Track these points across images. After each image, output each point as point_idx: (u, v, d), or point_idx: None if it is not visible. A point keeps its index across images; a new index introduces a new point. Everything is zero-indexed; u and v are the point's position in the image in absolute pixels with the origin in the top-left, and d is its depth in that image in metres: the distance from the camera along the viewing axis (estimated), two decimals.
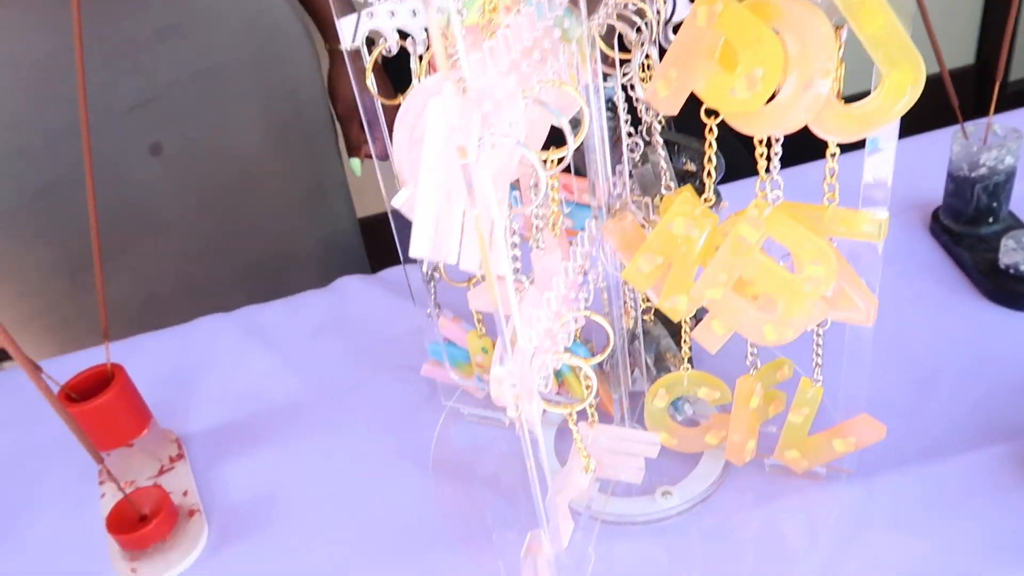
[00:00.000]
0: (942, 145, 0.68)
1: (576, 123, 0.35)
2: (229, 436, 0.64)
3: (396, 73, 0.51)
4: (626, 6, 0.39)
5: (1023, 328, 0.60)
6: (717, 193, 0.46)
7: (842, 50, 0.34)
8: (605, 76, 0.41)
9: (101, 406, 0.56)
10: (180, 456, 0.62)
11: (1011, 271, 0.62)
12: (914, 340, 0.60)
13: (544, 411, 0.50)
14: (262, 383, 0.69)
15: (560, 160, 0.35)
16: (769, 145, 0.38)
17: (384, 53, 0.44)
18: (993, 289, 0.63)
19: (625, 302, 0.51)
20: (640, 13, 0.39)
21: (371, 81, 0.45)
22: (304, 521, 0.56)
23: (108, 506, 0.59)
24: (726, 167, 0.43)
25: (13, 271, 0.83)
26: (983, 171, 0.65)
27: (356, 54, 0.91)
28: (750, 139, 0.38)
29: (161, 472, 0.61)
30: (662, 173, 0.43)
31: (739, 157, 0.49)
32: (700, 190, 0.43)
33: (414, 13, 0.42)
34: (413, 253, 0.30)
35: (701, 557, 0.50)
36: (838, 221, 0.39)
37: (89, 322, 0.86)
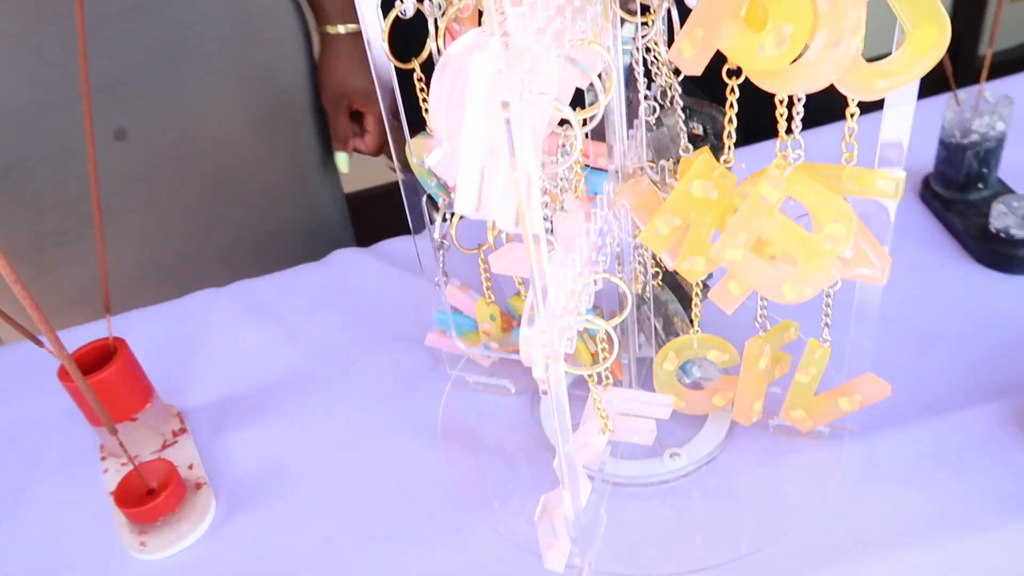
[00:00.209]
0: (931, 113, 0.69)
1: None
2: (231, 409, 0.64)
3: (401, 45, 0.50)
4: None
5: (1015, 290, 0.62)
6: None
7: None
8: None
9: (104, 380, 0.55)
10: (183, 430, 0.61)
11: (1002, 235, 0.63)
12: (909, 303, 0.62)
13: None
14: (261, 356, 0.68)
15: (589, 120, 0.35)
16: (791, 105, 0.39)
17: (400, 15, 0.43)
18: (984, 253, 0.64)
19: (634, 268, 0.52)
20: None
21: (385, 45, 0.44)
22: (312, 491, 0.56)
23: (112, 481, 0.58)
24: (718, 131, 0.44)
25: None
26: (975, 137, 0.66)
27: (351, 37, 0.88)
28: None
29: (164, 446, 0.60)
30: (679, 136, 0.43)
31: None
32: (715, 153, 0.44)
33: None
34: (458, 210, 0.30)
35: (709, 516, 0.51)
36: (855, 180, 0.40)
37: (52, 304, 0.84)
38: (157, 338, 0.71)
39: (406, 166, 0.51)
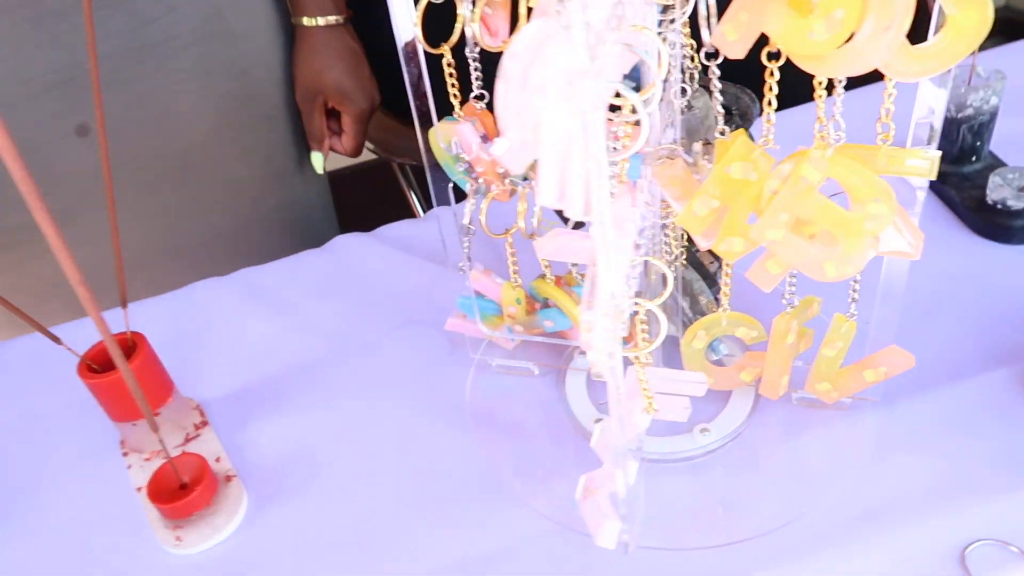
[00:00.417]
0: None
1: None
2: (249, 400, 0.63)
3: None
4: None
5: (1013, 259, 0.64)
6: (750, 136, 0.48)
7: None
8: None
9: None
10: (204, 423, 0.61)
11: (999, 206, 0.66)
12: (912, 275, 0.64)
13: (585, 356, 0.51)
14: (274, 345, 0.68)
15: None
16: (831, 87, 0.40)
17: (432, 0, 0.43)
18: (982, 224, 0.66)
19: (661, 248, 0.53)
20: None
21: (418, 29, 0.44)
22: (342, 478, 0.56)
23: (137, 476, 0.58)
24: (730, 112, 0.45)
25: None
26: (969, 111, 0.68)
27: (327, 30, 0.86)
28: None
29: (187, 440, 0.60)
30: (709, 118, 0.43)
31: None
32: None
33: None
34: (541, 202, 0.30)
35: (741, 489, 0.52)
36: (891, 160, 0.41)
37: (15, 302, 0.82)
38: (163, 330, 0.70)
39: (431, 151, 0.51)
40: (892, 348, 0.50)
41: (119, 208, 0.84)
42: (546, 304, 0.57)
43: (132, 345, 0.56)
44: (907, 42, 0.36)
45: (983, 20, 0.35)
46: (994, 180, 0.66)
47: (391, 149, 1.17)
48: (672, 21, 0.43)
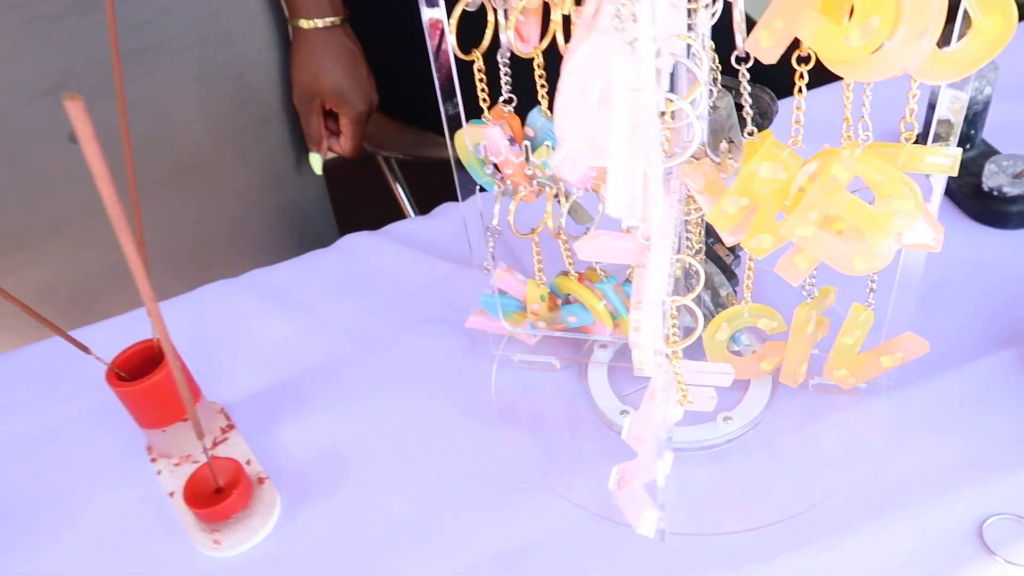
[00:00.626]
0: None
1: None
2: (273, 402, 0.64)
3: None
4: None
5: (1011, 244, 0.66)
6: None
7: None
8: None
9: (158, 383, 0.55)
10: (231, 426, 0.61)
11: (995, 193, 0.68)
12: None
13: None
14: (293, 345, 0.68)
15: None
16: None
17: (466, 8, 0.44)
18: (979, 211, 0.69)
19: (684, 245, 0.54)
20: None
21: (452, 37, 0.45)
22: (373, 475, 0.57)
23: (168, 481, 0.58)
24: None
25: None
26: None
27: (324, 32, 0.86)
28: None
29: (215, 444, 0.60)
30: (746, 120, 0.45)
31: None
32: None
33: None
34: (611, 212, 0.32)
35: (765, 474, 0.54)
36: (912, 157, 0.43)
37: (9, 308, 0.81)
38: (180, 334, 0.70)
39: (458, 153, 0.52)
40: (908, 335, 0.52)
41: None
42: (567, 300, 0.59)
43: (160, 352, 0.57)
44: (936, 48, 0.38)
45: (1008, 25, 0.37)
46: (990, 168, 0.69)
47: (377, 143, 1.17)
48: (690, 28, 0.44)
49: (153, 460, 0.60)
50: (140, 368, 0.56)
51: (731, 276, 0.57)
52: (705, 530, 0.52)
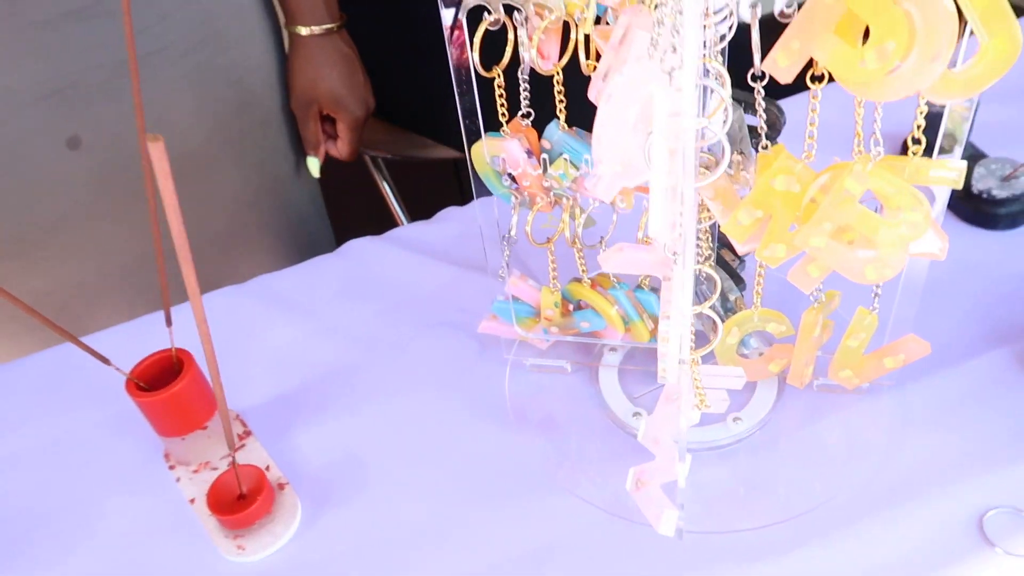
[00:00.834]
0: None
1: None
2: (288, 407, 0.65)
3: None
4: None
5: (1000, 245, 0.69)
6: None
7: None
8: None
9: (178, 393, 0.56)
10: (247, 433, 0.62)
11: (984, 195, 0.70)
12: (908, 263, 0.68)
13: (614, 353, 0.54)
14: (304, 350, 0.69)
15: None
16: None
17: (490, 27, 0.45)
18: (969, 212, 0.71)
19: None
20: None
21: (475, 56, 0.46)
22: (392, 479, 0.59)
23: (188, 488, 0.59)
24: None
25: None
26: None
27: (321, 39, 0.86)
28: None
29: (231, 453, 0.61)
30: (760, 135, 0.47)
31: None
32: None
33: None
34: (653, 235, 0.33)
35: (772, 472, 0.56)
36: (919, 170, 0.45)
37: (3, 315, 0.82)
38: (188, 341, 0.71)
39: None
40: (910, 337, 0.54)
41: (114, 217, 0.84)
42: (579, 306, 0.60)
43: (179, 362, 0.57)
44: (947, 69, 0.39)
45: (1014, 47, 0.39)
46: (979, 171, 0.71)
47: (366, 142, 1.18)
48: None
49: (171, 468, 0.61)
50: (158, 378, 0.57)
51: (739, 281, 0.58)
52: (716, 528, 0.53)
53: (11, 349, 0.84)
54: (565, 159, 0.50)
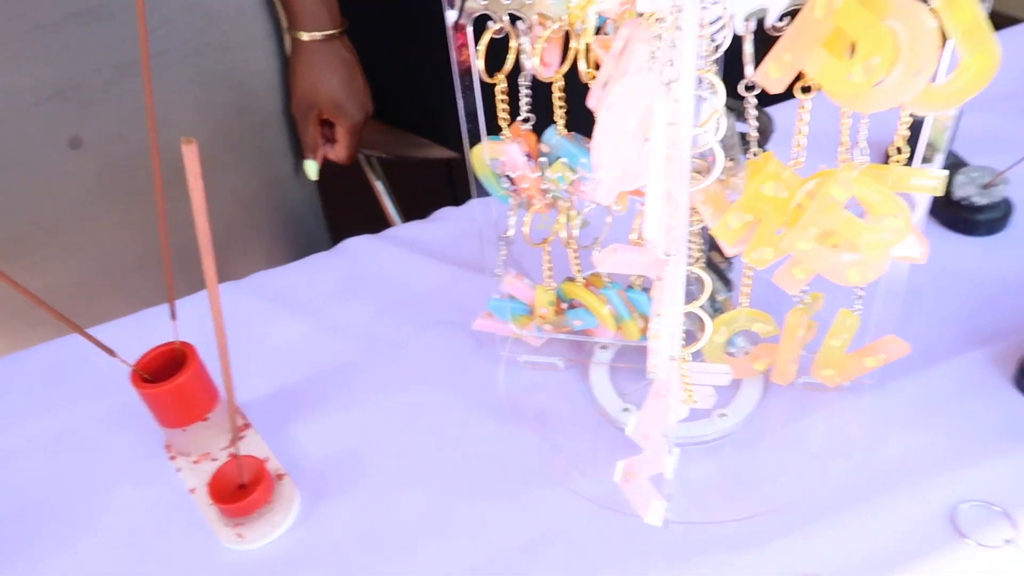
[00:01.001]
0: None
1: None
2: (287, 402, 0.66)
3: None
4: None
5: (979, 251, 0.71)
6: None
7: None
8: None
9: (182, 385, 0.57)
10: (247, 425, 0.64)
11: (963, 203, 0.73)
12: (890, 267, 0.71)
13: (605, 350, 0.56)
14: (304, 347, 0.71)
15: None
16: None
17: (494, 36, 0.47)
18: (949, 218, 0.74)
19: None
20: None
21: (479, 63, 0.48)
22: (389, 472, 0.60)
23: (189, 479, 0.60)
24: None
25: None
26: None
27: (321, 44, 0.88)
28: None
29: (233, 443, 0.62)
30: (750, 142, 0.49)
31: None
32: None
33: None
34: (648, 236, 0.35)
35: (756, 466, 0.58)
36: (902, 177, 0.47)
37: (3, 314, 0.83)
38: (190, 334, 0.72)
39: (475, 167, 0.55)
40: (890, 337, 0.56)
41: (115, 217, 0.85)
42: (572, 305, 0.62)
43: (182, 355, 0.59)
44: (930, 83, 0.42)
45: (992, 64, 0.41)
46: (959, 179, 0.74)
47: (360, 141, 1.20)
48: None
49: (172, 458, 0.62)
50: (161, 370, 0.58)
51: (727, 282, 0.60)
52: (703, 519, 0.55)
53: (12, 348, 0.85)
54: (563, 162, 0.52)
